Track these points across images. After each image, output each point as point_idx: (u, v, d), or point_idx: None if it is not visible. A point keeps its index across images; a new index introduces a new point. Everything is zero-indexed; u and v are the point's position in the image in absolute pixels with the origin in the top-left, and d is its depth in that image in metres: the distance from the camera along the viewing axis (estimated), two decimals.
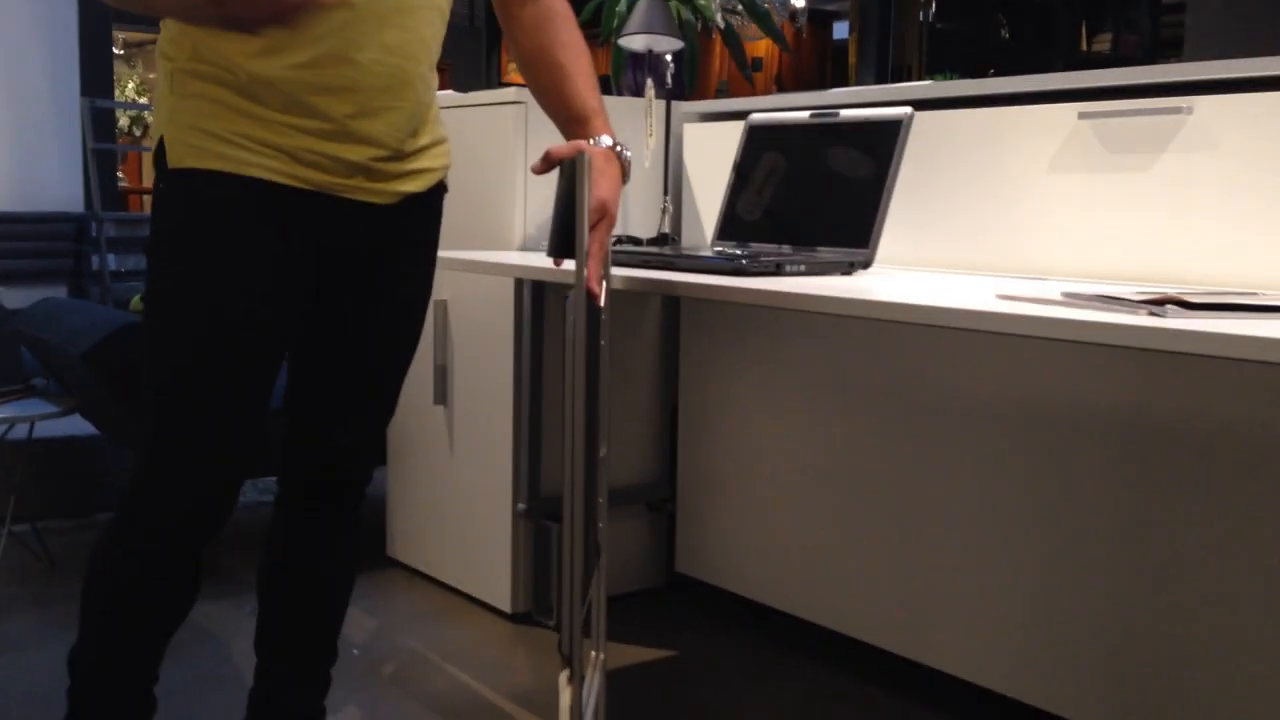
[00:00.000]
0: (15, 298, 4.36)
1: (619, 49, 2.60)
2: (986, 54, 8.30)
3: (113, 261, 4.69)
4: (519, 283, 2.46)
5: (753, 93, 8.13)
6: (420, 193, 1.54)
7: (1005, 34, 8.46)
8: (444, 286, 2.65)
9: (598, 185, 1.49)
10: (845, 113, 2.03)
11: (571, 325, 1.36)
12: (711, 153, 2.54)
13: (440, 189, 1.60)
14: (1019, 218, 1.94)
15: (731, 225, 2.15)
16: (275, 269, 1.44)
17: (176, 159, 1.41)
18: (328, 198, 1.45)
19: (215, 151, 1.39)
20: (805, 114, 2.09)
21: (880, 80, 8.01)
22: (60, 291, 4.56)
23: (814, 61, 9.25)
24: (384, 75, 1.43)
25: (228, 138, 1.39)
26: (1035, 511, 1.96)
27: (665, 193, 2.48)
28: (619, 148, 1.56)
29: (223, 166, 1.39)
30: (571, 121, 1.59)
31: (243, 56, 1.38)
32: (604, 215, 1.49)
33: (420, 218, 1.58)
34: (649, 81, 2.23)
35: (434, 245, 1.63)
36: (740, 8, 2.86)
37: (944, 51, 8.46)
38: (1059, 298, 1.35)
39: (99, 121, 4.87)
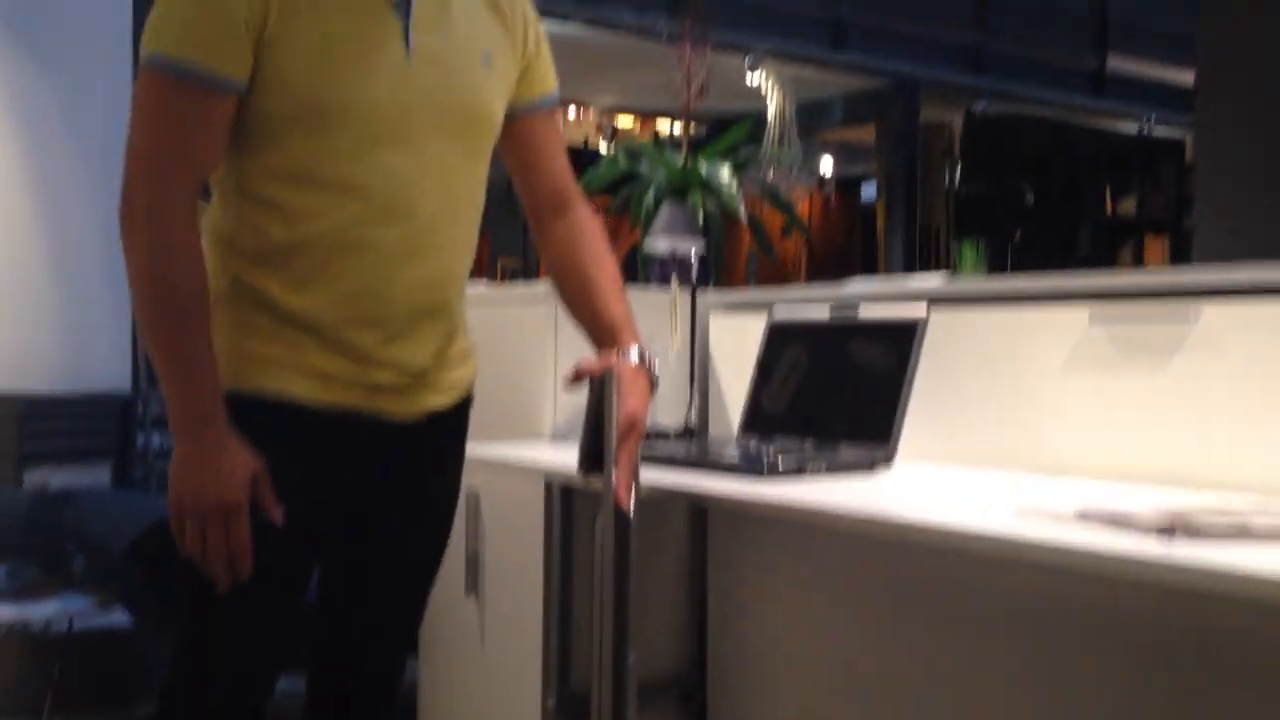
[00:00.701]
0: (60, 478, 4.45)
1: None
2: (1012, 218, 8.45)
3: (157, 440, 4.79)
4: (549, 484, 2.50)
5: (777, 271, 8.29)
6: (446, 408, 1.60)
7: (1030, 198, 8.62)
8: (475, 477, 2.69)
9: (627, 399, 1.53)
10: (864, 311, 2.09)
11: (600, 547, 1.40)
12: (737, 342, 2.60)
13: (467, 402, 1.66)
14: (1036, 416, 1.97)
15: (756, 419, 2.20)
16: (306, 486, 1.49)
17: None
18: (357, 417, 1.51)
19: (250, 374, 1.47)
20: (825, 311, 2.16)
21: (908, 244, 8.16)
22: (105, 471, 4.65)
23: (843, 225, 9.44)
24: (412, 307, 1.51)
25: (262, 362, 1.47)
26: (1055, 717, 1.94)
27: (691, 384, 2.54)
28: (648, 359, 1.61)
29: (261, 385, 1.46)
30: (600, 332, 1.65)
31: (277, 289, 1.46)
32: (633, 428, 1.53)
33: (447, 431, 1.64)
34: (674, 280, 2.31)
35: (460, 458, 1.68)
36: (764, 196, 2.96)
37: (970, 215, 8.62)
38: (1073, 515, 1.37)
39: None
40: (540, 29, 1.67)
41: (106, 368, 5.05)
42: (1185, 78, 8.87)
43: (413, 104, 1.47)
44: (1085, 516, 1.35)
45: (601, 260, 1.67)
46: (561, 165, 1.71)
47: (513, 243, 9.31)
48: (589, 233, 1.69)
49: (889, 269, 8.27)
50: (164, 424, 5.00)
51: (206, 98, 1.40)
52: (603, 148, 9.76)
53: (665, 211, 2.25)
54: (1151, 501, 1.43)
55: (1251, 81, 2.86)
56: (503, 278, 10.07)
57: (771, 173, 6.73)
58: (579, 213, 1.70)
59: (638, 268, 3.04)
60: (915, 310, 1.99)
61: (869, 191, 10.45)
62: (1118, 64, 9.35)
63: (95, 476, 4.64)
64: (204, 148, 1.43)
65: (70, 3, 5.22)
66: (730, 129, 3.05)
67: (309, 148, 1.43)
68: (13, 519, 3.13)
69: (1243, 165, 2.78)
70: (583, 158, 9.94)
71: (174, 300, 1.41)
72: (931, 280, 2.28)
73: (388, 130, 1.45)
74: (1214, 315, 1.73)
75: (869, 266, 9.07)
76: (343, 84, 1.43)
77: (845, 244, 9.37)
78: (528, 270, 8.78)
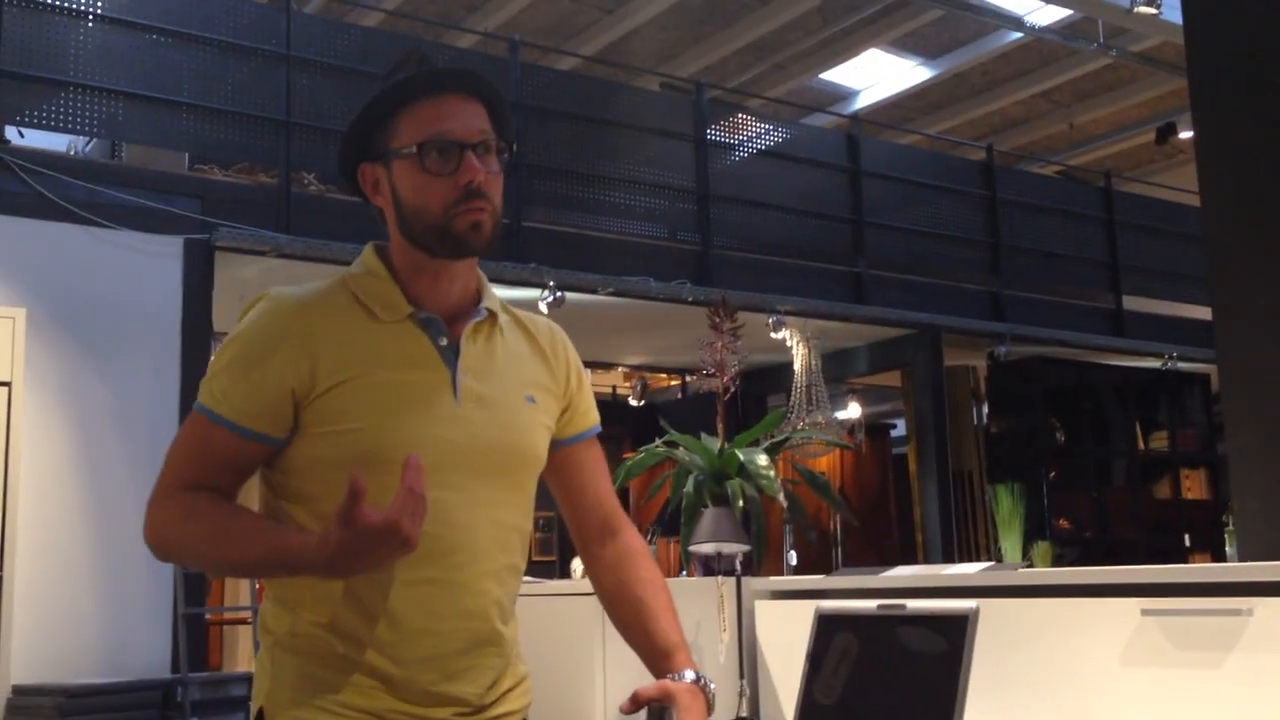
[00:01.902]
0: None
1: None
2: (1044, 455, 8.46)
3: None
4: None
5: (818, 551, 8.30)
6: None
7: (1060, 436, 8.66)
8: None
9: None
10: (912, 605, 2.10)
11: None
12: (784, 629, 2.60)
13: None
14: (1092, 710, 1.95)
15: (811, 716, 2.17)
16: None
17: None
18: None
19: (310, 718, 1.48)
20: (873, 604, 2.16)
21: (942, 487, 8.15)
22: None
23: (876, 472, 9.46)
24: (464, 640, 1.53)
25: (321, 705, 1.48)
26: None
27: (741, 675, 2.52)
28: (703, 681, 1.62)
29: None
30: (656, 655, 1.66)
31: (334, 635, 1.49)
32: None
33: None
34: (719, 578, 2.34)
35: None
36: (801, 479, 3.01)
37: (1001, 455, 8.64)
38: None
39: (191, 586, 5.06)
40: (582, 369, 1.76)
41: (147, 654, 5.04)
42: (1200, 312, 9.06)
43: (461, 444, 1.54)
44: None
45: (653, 584, 1.70)
46: (606, 490, 1.77)
47: (544, 496, 9.33)
48: (638, 554, 1.73)
49: (925, 513, 8.24)
50: (204, 708, 4.89)
51: (237, 439, 1.52)
52: (632, 402, 9.92)
53: (710, 517, 2.29)
54: None
55: (1266, 321, 2.93)
56: (537, 529, 10.10)
57: (800, 429, 6.83)
58: (626, 535, 1.75)
59: (677, 529, 3.06)
60: (965, 604, 2.00)
61: (899, 430, 10.53)
62: (1134, 303, 9.56)
63: None
64: (223, 468, 1.53)
65: (123, 300, 5.47)
66: (766, 417, 3.12)
67: None
68: None
69: (1265, 399, 2.82)
70: (611, 409, 10.12)
71: (215, 560, 1.53)
72: (977, 570, 2.29)
73: (436, 470, 1.50)
74: (1267, 610, 1.74)
75: (904, 509, 9.03)
76: (394, 430, 1.50)
77: (880, 490, 9.37)
78: (561, 524, 8.78)
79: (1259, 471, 2.57)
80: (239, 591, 8.96)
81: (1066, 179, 11.57)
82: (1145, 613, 1.89)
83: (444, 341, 1.57)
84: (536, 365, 1.67)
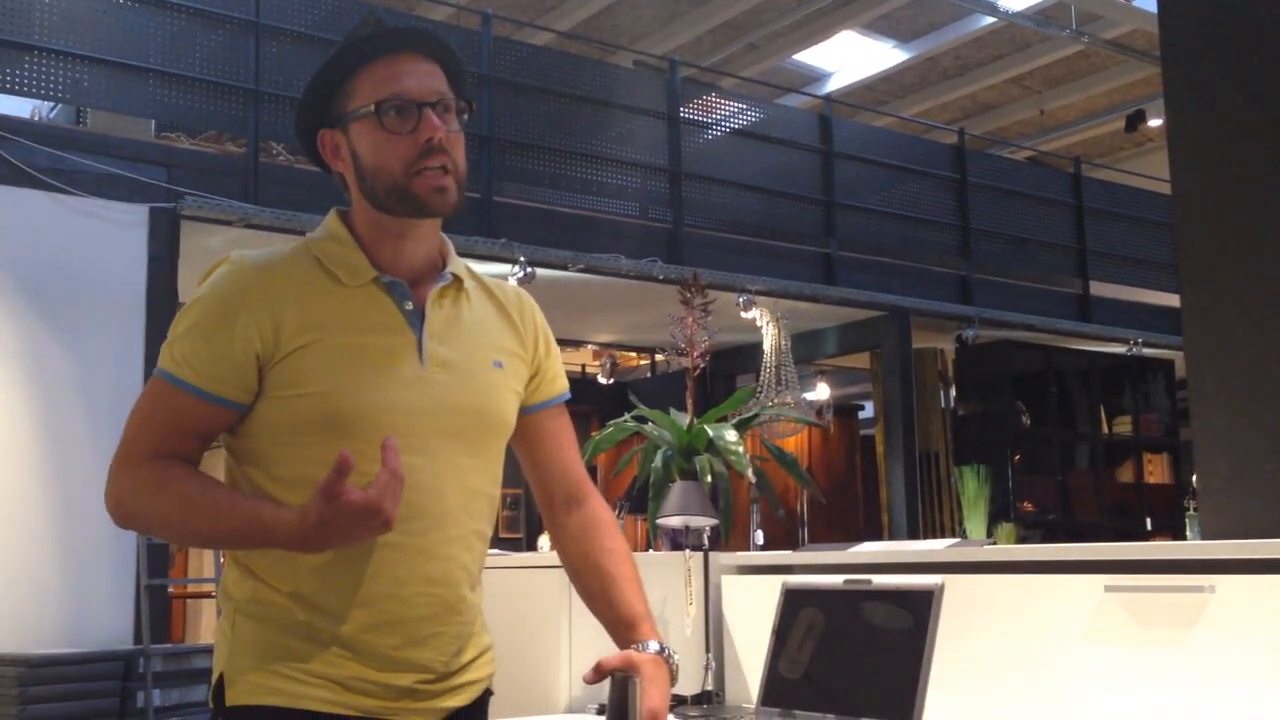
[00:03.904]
0: None
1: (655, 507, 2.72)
2: (1009, 438, 8.52)
3: (158, 697, 4.69)
4: None
5: (785, 529, 8.33)
6: (465, 706, 1.60)
7: (1026, 419, 8.72)
8: None
9: (648, 695, 1.54)
10: (878, 580, 2.11)
11: None
12: (750, 603, 2.60)
13: (486, 696, 1.66)
14: (1055, 686, 1.96)
15: (776, 690, 2.18)
16: None
17: (234, 697, 1.49)
18: None
19: (270, 687, 1.47)
20: (839, 579, 2.17)
21: (909, 468, 8.20)
22: None
23: (844, 453, 9.50)
24: (428, 605, 1.52)
25: (282, 673, 1.48)
26: None
27: (707, 649, 2.53)
28: (667, 652, 1.62)
29: (276, 701, 1.47)
30: (620, 625, 1.66)
31: (295, 600, 1.48)
32: None
33: None
34: (686, 551, 2.33)
35: None
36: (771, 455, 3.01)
37: (967, 437, 8.70)
38: None
39: (154, 557, 5.03)
40: (550, 335, 1.75)
41: (109, 625, 5.00)
42: (1165, 299, 9.14)
43: (425, 408, 1.53)
44: None
45: (618, 555, 1.70)
46: (573, 459, 1.76)
47: (513, 473, 9.32)
48: (604, 525, 1.72)
49: (891, 494, 8.28)
50: (166, 679, 4.86)
51: (199, 403, 1.50)
52: (601, 380, 9.92)
53: (678, 490, 2.29)
54: None
55: (1235, 304, 2.95)
56: (504, 505, 10.08)
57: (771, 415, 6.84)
58: (592, 505, 1.74)
59: (644, 506, 3.06)
60: (930, 579, 2.01)
61: (867, 411, 10.58)
62: (1101, 288, 9.63)
63: None
64: (185, 434, 1.51)
65: (87, 269, 5.40)
66: (734, 394, 3.12)
67: (321, 456, 1.46)
68: None
69: (1233, 381, 2.85)
70: (581, 387, 10.10)
71: (183, 532, 1.53)
72: (943, 546, 2.31)
73: (401, 435, 1.49)
74: (1230, 588, 1.75)
75: (871, 489, 9.08)
76: (359, 393, 1.49)
77: (847, 470, 9.41)
78: (529, 500, 8.78)
79: (1223, 451, 2.60)
80: (203, 564, 8.91)
81: (1036, 164, 11.63)
82: (1109, 589, 1.90)
83: (409, 306, 1.56)
84: (504, 330, 1.66)
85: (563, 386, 1.75)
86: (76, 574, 5.02)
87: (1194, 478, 2.74)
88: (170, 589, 6.06)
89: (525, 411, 1.70)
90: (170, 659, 4.80)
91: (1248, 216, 2.96)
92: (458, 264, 1.64)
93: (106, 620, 5.00)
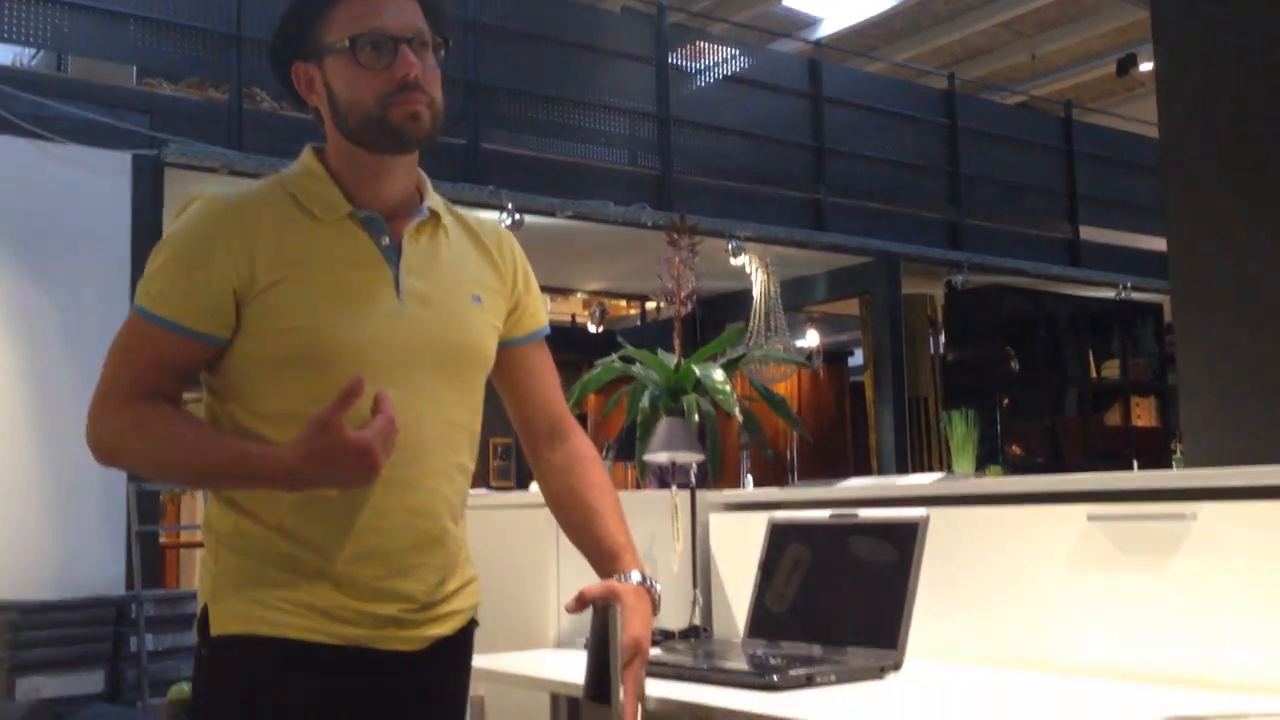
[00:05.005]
0: (54, 686, 4.37)
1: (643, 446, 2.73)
2: (998, 383, 8.55)
3: (150, 642, 4.72)
4: (555, 697, 2.48)
5: (774, 473, 8.34)
6: (450, 635, 1.61)
7: (1015, 364, 8.74)
8: (481, 685, 2.66)
9: (630, 624, 1.55)
10: (864, 514, 2.12)
11: None
12: (738, 540, 2.62)
13: (470, 626, 1.67)
14: (1040, 614, 1.98)
15: (762, 622, 2.20)
16: (311, 717, 1.49)
17: (218, 626, 1.50)
18: (360, 650, 1.51)
19: (253, 616, 1.48)
20: (825, 513, 2.18)
21: (898, 414, 8.23)
22: (98, 676, 4.58)
23: (833, 398, 9.52)
24: (410, 537, 1.53)
25: (265, 602, 1.48)
26: None
27: (695, 585, 2.54)
28: (649, 582, 1.63)
29: (260, 630, 1.48)
30: (602, 557, 1.67)
31: (276, 532, 1.48)
32: (638, 653, 1.55)
33: (450, 658, 1.63)
34: (673, 488, 2.34)
35: (464, 683, 1.68)
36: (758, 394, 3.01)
37: (956, 382, 8.72)
38: None
39: (144, 504, 5.03)
40: (529, 270, 1.75)
41: (100, 571, 5.02)
42: (1155, 243, 9.14)
43: (403, 342, 1.53)
44: None
45: (600, 487, 1.70)
46: (554, 393, 1.76)
47: (503, 422, 9.34)
48: (586, 459, 1.73)
49: (880, 439, 8.32)
50: (158, 625, 4.88)
51: (178, 339, 1.49)
52: (591, 328, 9.91)
53: (664, 426, 2.30)
54: (1161, 706, 1.43)
55: (1221, 246, 2.96)
56: (494, 455, 10.10)
57: (760, 363, 6.85)
58: (574, 439, 1.74)
59: (633, 452, 3.06)
60: (915, 511, 2.02)
61: (857, 358, 10.60)
62: (1091, 233, 9.62)
63: (89, 683, 4.56)
64: (166, 371, 1.50)
65: (70, 217, 5.37)
66: (722, 334, 3.11)
67: (301, 390, 1.47)
68: None
69: (1219, 330, 2.86)
70: (571, 336, 10.10)
71: (167, 468, 1.51)
72: (930, 480, 2.32)
73: (380, 368, 1.49)
74: (1211, 515, 1.76)
75: (860, 435, 9.11)
76: (336, 328, 1.49)
77: (837, 416, 9.44)
78: (519, 450, 8.79)
79: (1207, 384, 2.61)
80: (195, 513, 8.93)
81: (1027, 109, 11.58)
82: (1091, 518, 1.91)
83: (385, 241, 1.55)
84: (482, 265, 1.66)
85: (542, 321, 1.75)
86: (67, 521, 5.04)
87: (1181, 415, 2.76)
88: (162, 538, 6.07)
89: (506, 345, 1.69)
90: (163, 604, 4.83)
91: (1234, 159, 2.96)
92: (435, 199, 1.63)
93: (98, 567, 5.01)
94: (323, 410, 1.36)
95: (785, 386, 8.86)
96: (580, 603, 1.57)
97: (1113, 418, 9.39)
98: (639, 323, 10.66)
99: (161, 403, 1.49)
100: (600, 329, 9.78)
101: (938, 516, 2.13)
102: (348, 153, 1.56)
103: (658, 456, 2.26)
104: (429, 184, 1.64)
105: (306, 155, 1.60)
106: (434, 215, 1.61)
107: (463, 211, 1.71)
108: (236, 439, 1.48)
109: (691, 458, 2.27)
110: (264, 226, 1.50)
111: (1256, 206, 2.90)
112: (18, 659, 4.32)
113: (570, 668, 2.03)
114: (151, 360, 1.50)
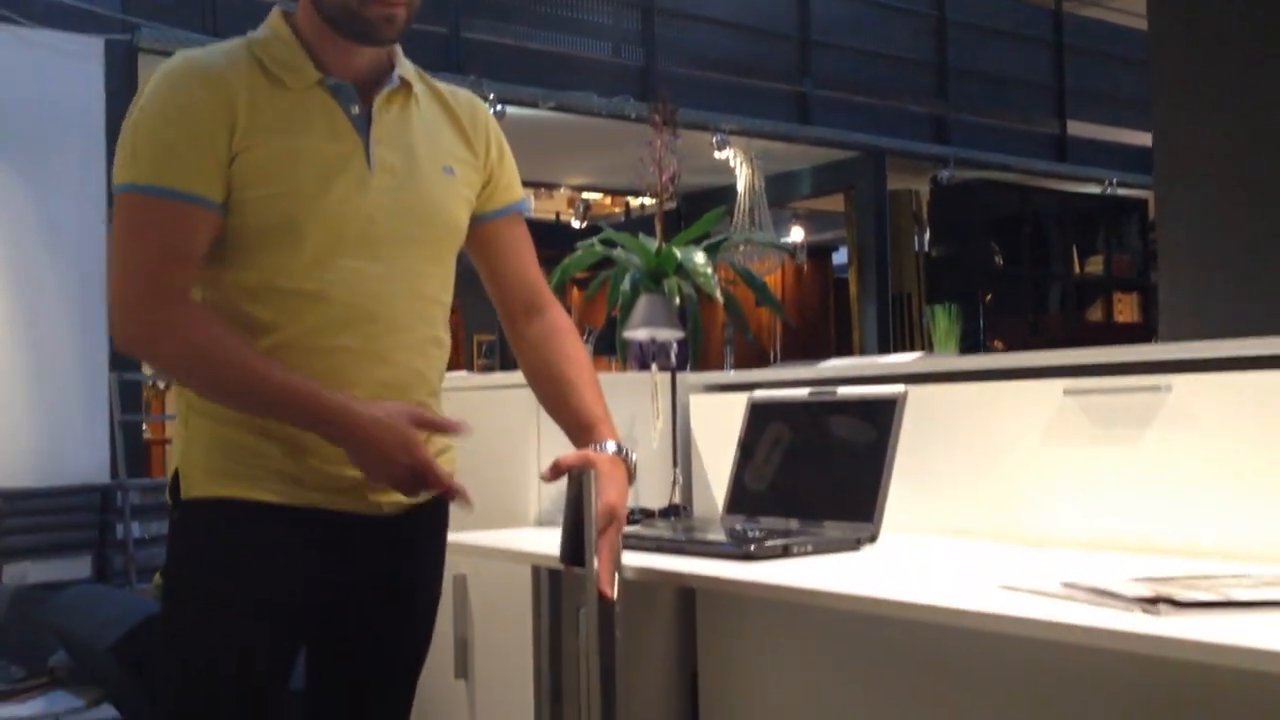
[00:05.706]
0: (40, 571, 4.42)
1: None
2: (983, 279, 8.55)
3: (136, 529, 4.76)
4: (536, 570, 2.51)
5: (756, 360, 8.34)
6: (424, 501, 1.62)
7: (999, 260, 8.74)
8: (462, 562, 2.69)
9: (605, 491, 1.57)
10: (842, 391, 2.13)
11: (586, 637, 1.41)
12: (717, 421, 2.63)
13: (444, 495, 1.68)
14: (1015, 488, 2.00)
15: (740, 499, 2.22)
16: (285, 584, 1.51)
17: (189, 489, 1.50)
18: (332, 514, 1.52)
19: (224, 480, 1.49)
20: (804, 392, 2.19)
21: (882, 309, 8.24)
22: (85, 562, 4.62)
23: (818, 293, 9.52)
24: None
25: (236, 467, 1.49)
26: None
27: (675, 464, 2.56)
28: (624, 451, 1.64)
29: (232, 493, 1.48)
30: (578, 429, 1.68)
31: None
32: (613, 519, 1.57)
33: (424, 525, 1.65)
34: (654, 367, 2.34)
35: (440, 549, 1.70)
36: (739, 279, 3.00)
37: (940, 278, 8.72)
38: (1058, 588, 1.40)
39: (127, 394, 5.03)
40: (503, 141, 1.72)
41: (84, 460, 5.03)
42: (1141, 138, 9.08)
43: (374, 214, 1.51)
44: (1071, 588, 1.37)
45: (577, 360, 1.70)
46: (531, 268, 1.75)
47: (488, 319, 9.32)
48: (563, 331, 1.72)
49: (864, 334, 8.35)
50: (143, 513, 4.90)
51: (188, 211, 1.44)
52: (575, 224, 9.85)
53: (643, 302, 2.29)
54: (1132, 571, 1.46)
55: (1207, 141, 2.94)
56: (479, 353, 10.11)
57: (743, 247, 6.82)
58: (551, 313, 1.74)
59: (615, 346, 3.06)
60: (893, 387, 2.03)
61: (841, 256, 10.58)
62: (1078, 128, 9.55)
63: (76, 569, 4.61)
64: (189, 257, 1.46)
65: (43, 100, 5.27)
66: (704, 215, 3.09)
67: (276, 262, 1.46)
68: None
69: (1201, 222, 2.86)
70: (555, 233, 10.04)
71: (233, 382, 1.46)
72: (909, 359, 2.32)
73: (350, 240, 1.48)
74: (1186, 387, 1.78)
75: (844, 332, 9.14)
76: (307, 198, 1.47)
77: (820, 310, 9.45)
78: (503, 346, 8.81)
79: (1186, 262, 2.61)
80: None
81: (1017, 1, 11.39)
82: (1067, 392, 1.93)
83: (355, 110, 1.53)
84: (455, 136, 1.64)
85: (518, 195, 1.73)
86: (49, 412, 5.03)
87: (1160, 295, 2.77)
88: (146, 433, 6.10)
89: (481, 219, 1.68)
90: (148, 493, 4.86)
91: (1222, 51, 2.93)
92: (406, 67, 1.60)
93: (82, 456, 5.03)
94: (424, 417, 1.49)
95: (770, 282, 8.84)
96: (555, 471, 1.58)
97: (1095, 314, 9.42)
98: (624, 219, 10.60)
99: (214, 321, 1.46)
100: (584, 224, 9.73)
101: (916, 393, 2.14)
102: (318, 23, 1.53)
103: (638, 333, 2.26)
104: (400, 51, 1.61)
105: (275, 19, 1.56)
106: (405, 84, 1.58)
107: (436, 82, 1.68)
108: (301, 377, 1.46)
109: (671, 335, 2.27)
110: (238, 93, 1.48)
111: (1239, 95, 2.88)
112: (3, 545, 4.36)
113: (551, 543, 2.04)
114: (168, 241, 1.44)
